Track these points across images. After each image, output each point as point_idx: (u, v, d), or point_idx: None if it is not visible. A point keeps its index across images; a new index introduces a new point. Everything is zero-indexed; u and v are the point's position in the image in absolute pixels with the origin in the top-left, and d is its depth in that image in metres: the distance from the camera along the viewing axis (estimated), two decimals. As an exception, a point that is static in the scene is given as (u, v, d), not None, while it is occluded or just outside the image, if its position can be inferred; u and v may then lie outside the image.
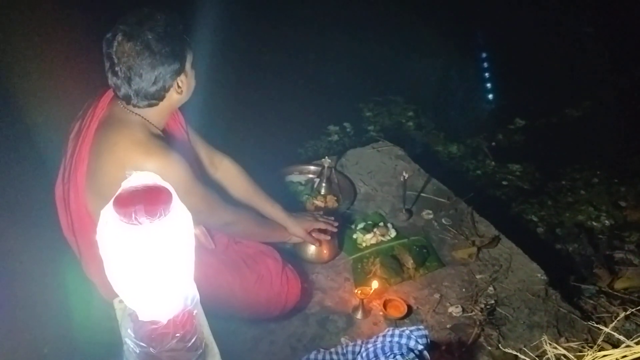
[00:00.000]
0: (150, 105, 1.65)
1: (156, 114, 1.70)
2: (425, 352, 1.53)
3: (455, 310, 2.14)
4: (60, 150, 1.82)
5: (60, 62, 3.20)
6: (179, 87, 1.67)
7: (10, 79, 3.02)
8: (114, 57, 1.56)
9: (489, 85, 4.29)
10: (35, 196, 2.04)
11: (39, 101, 2.89)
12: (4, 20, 3.35)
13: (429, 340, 1.56)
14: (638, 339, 1.22)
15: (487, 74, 4.32)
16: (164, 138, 1.71)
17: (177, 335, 1.01)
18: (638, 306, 1.97)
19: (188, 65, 1.69)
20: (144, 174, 0.92)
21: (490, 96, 4.22)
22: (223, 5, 3.18)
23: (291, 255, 2.24)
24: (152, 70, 1.58)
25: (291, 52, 4.27)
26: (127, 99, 1.63)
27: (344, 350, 1.78)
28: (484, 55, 4.39)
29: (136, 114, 1.68)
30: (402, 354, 1.49)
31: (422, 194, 2.70)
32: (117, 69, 1.57)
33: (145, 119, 1.68)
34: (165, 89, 1.64)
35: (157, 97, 1.64)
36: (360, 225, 2.48)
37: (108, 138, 1.64)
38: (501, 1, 4.65)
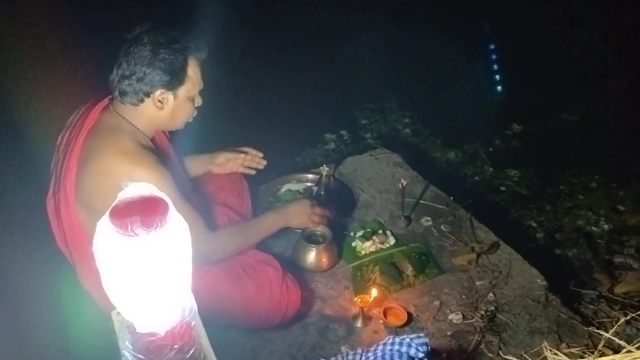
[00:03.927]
0: (131, 104, 1.66)
1: (143, 122, 1.71)
2: (426, 360, 1.52)
3: (455, 317, 2.13)
4: (51, 161, 1.82)
5: (57, 69, 3.20)
6: (160, 102, 1.67)
7: (4, 85, 3.01)
8: (125, 41, 1.64)
9: (486, 89, 4.31)
10: (32, 206, 2.03)
11: (35, 109, 2.88)
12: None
13: (429, 348, 1.55)
14: (639, 344, 1.21)
15: (484, 78, 4.34)
16: (154, 150, 1.71)
17: (176, 346, 1.01)
18: (638, 310, 1.96)
19: (182, 92, 1.70)
20: (139, 184, 0.92)
21: (487, 100, 4.24)
22: (218, 17, 3.19)
23: (291, 264, 2.23)
24: (142, 67, 1.61)
25: (286, 62, 4.29)
26: (111, 85, 1.67)
27: (345, 359, 1.77)
28: (480, 59, 4.41)
29: (125, 119, 1.68)
30: (402, 362, 1.48)
31: (421, 201, 2.69)
32: (121, 52, 1.63)
33: (134, 125, 1.69)
34: (145, 93, 1.65)
35: (134, 97, 1.65)
36: (359, 233, 2.47)
37: (96, 146, 1.64)
38: (499, 7, 4.67)
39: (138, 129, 1.70)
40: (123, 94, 1.65)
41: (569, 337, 2.08)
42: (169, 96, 1.68)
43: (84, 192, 1.65)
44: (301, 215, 2.12)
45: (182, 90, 1.70)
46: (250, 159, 2.29)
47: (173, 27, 1.67)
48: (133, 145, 1.64)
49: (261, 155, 2.28)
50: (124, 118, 1.68)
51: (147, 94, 1.65)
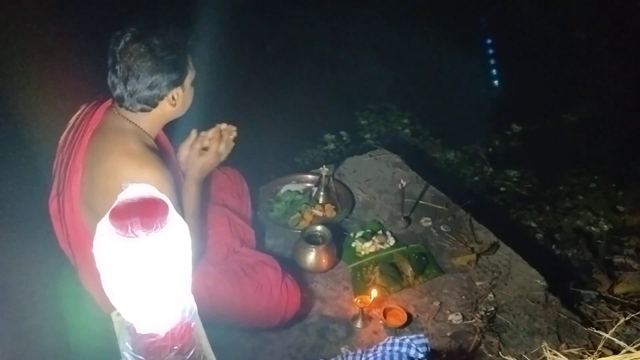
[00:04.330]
0: (142, 111, 1.66)
1: (149, 123, 1.71)
2: (426, 361, 1.52)
3: (455, 318, 2.13)
4: (53, 162, 1.82)
5: (56, 68, 3.20)
6: (173, 99, 1.68)
7: (5, 86, 3.02)
8: (117, 55, 1.59)
9: (485, 89, 4.32)
10: (34, 207, 2.04)
11: (35, 108, 2.89)
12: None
13: (429, 348, 1.55)
14: (638, 345, 1.21)
15: (483, 78, 4.34)
16: (158, 151, 1.72)
17: (176, 347, 1.01)
18: (638, 311, 1.96)
19: (187, 81, 1.70)
20: (140, 185, 0.92)
21: (487, 99, 4.24)
22: (216, 18, 3.20)
23: (291, 265, 2.23)
24: (150, 75, 1.60)
25: (285, 63, 4.29)
26: (120, 100, 1.65)
27: (344, 360, 1.77)
28: (479, 59, 4.41)
29: (130, 121, 1.68)
30: (402, 363, 1.48)
31: (420, 202, 2.69)
32: (117, 67, 1.60)
33: (139, 127, 1.69)
34: (159, 97, 1.65)
35: (150, 103, 1.65)
36: (359, 234, 2.47)
37: (102, 148, 1.64)
38: (498, 7, 4.67)
39: (142, 130, 1.70)
40: (135, 104, 1.64)
41: (569, 337, 2.08)
42: (180, 91, 1.69)
43: (89, 193, 1.65)
44: (208, 164, 1.92)
45: (187, 80, 1.71)
46: (220, 137, 1.96)
47: (156, 25, 1.65)
48: (139, 147, 1.64)
49: (221, 127, 1.96)
50: (128, 120, 1.68)
51: (162, 97, 1.66)
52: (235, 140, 1.95)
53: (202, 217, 1.97)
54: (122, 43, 1.59)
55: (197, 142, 1.90)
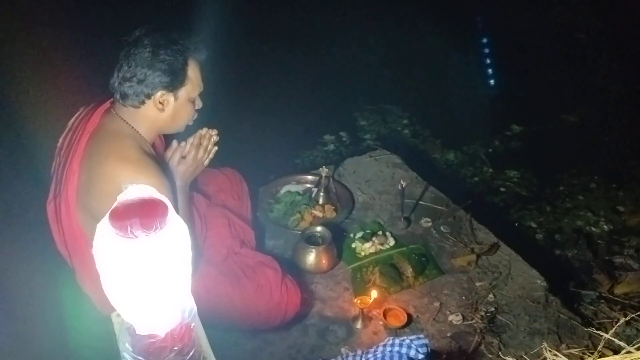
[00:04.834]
0: (132, 106, 1.66)
1: (144, 126, 1.71)
2: (426, 361, 1.52)
3: (455, 319, 2.13)
4: (52, 165, 1.82)
5: (55, 69, 3.20)
6: (160, 103, 1.67)
7: (5, 86, 3.01)
8: (125, 45, 1.64)
9: (484, 88, 4.32)
10: (33, 209, 2.04)
11: (35, 109, 2.88)
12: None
13: (429, 349, 1.55)
14: (638, 345, 1.21)
15: (483, 77, 4.35)
16: (155, 156, 1.71)
17: (175, 348, 1.01)
18: (638, 311, 1.96)
19: (183, 93, 1.70)
20: (139, 186, 0.92)
21: (486, 102, 4.24)
22: (213, 16, 3.20)
23: (291, 266, 2.23)
24: (143, 68, 1.62)
25: (285, 63, 4.29)
26: (112, 88, 1.68)
27: (344, 361, 1.76)
28: (479, 59, 4.41)
29: (127, 122, 1.68)
30: (402, 364, 1.48)
31: (420, 202, 2.69)
32: (121, 54, 1.64)
33: (135, 130, 1.69)
34: (145, 94, 1.65)
35: (136, 99, 1.65)
36: (359, 235, 2.47)
37: (99, 151, 1.64)
38: (498, 8, 4.68)
39: (139, 134, 1.70)
40: (124, 96, 1.65)
41: (569, 338, 2.08)
42: (170, 97, 1.68)
43: (86, 196, 1.65)
44: (189, 172, 1.90)
45: (183, 92, 1.70)
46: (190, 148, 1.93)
47: (172, 28, 1.68)
48: (136, 153, 1.64)
49: (201, 133, 1.91)
50: (126, 122, 1.69)
51: (148, 96, 1.66)
52: (217, 144, 1.92)
53: (193, 222, 1.98)
54: (135, 34, 1.64)
55: (177, 152, 1.87)
